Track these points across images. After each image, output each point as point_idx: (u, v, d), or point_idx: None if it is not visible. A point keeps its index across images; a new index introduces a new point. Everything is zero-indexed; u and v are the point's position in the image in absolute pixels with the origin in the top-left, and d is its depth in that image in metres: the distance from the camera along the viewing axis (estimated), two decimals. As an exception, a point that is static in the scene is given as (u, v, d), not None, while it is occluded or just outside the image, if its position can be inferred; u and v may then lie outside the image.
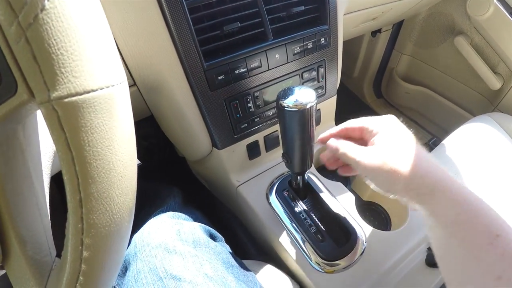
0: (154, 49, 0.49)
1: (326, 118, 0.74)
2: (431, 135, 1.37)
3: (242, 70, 0.54)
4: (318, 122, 0.72)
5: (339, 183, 0.65)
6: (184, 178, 0.99)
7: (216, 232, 0.61)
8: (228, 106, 0.56)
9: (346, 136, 0.44)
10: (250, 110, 0.59)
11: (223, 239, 0.63)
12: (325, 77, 0.67)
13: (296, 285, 0.57)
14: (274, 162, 0.68)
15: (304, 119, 0.44)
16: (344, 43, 0.77)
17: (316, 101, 0.44)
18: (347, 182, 0.73)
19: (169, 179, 1.09)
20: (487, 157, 0.86)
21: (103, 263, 0.26)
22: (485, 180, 0.82)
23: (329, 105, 0.73)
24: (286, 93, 0.44)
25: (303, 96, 0.43)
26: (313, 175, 0.65)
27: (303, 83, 0.64)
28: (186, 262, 0.46)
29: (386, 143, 0.38)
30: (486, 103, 1.15)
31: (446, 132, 0.97)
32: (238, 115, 0.58)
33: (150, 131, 1.05)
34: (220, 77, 0.53)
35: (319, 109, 0.71)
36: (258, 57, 0.55)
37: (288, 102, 0.43)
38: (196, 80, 0.52)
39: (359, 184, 0.71)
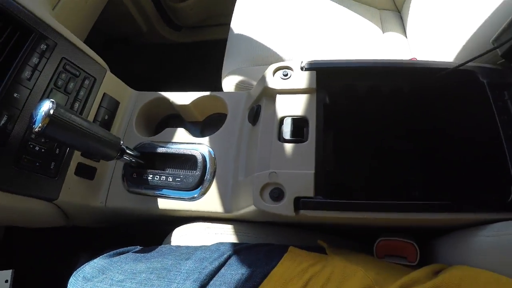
0: None
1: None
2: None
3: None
4: None
5: (169, 129, 0.69)
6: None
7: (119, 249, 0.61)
8: None
9: None
10: (38, 149, 0.55)
11: (137, 247, 0.62)
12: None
13: (206, 225, 0.63)
14: (112, 162, 0.68)
15: (64, 126, 0.44)
16: None
17: (51, 106, 0.43)
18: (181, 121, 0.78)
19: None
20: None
21: None
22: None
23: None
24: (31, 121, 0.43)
25: (37, 110, 0.43)
26: (146, 142, 0.68)
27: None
28: None
29: None
30: None
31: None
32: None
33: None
34: None
35: None
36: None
37: (36, 126, 0.43)
38: None
39: (189, 112, 0.75)
